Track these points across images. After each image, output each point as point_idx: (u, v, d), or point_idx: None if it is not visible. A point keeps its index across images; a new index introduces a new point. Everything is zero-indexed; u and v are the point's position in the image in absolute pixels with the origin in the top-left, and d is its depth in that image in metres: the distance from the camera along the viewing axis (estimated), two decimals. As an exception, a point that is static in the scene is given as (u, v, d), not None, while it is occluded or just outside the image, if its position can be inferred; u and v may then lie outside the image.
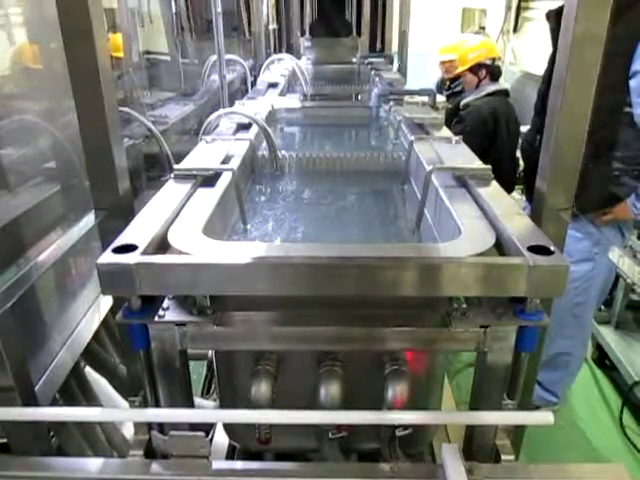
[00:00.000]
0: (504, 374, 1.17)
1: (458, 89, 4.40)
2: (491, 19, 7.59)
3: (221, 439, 1.59)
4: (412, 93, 2.82)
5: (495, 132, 3.63)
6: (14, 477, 1.06)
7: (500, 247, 1.15)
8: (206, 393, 2.65)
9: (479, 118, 3.63)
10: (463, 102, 3.93)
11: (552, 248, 1.04)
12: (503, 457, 1.17)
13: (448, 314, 1.13)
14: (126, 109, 1.98)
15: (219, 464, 1.09)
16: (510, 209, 1.27)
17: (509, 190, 3.73)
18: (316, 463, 1.13)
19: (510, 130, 3.70)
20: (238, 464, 1.12)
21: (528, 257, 1.02)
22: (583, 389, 3.31)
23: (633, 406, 3.08)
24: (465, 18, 8.32)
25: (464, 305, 1.18)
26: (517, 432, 1.50)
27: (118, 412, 1.39)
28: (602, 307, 3.49)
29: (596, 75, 1.24)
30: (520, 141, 3.63)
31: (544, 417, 1.06)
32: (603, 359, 3.50)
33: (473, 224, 1.23)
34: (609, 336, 3.42)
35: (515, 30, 6.86)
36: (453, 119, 3.78)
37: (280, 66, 3.83)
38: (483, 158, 1.61)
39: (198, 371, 2.70)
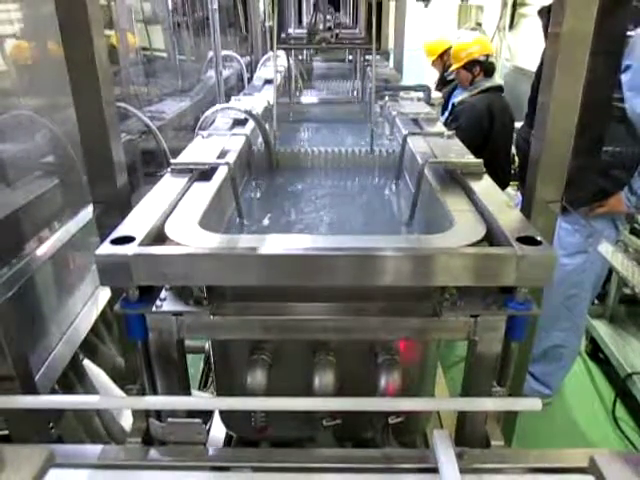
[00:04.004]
0: (494, 363, 1.19)
1: (451, 77, 4.47)
2: (488, 15, 7.61)
3: (218, 431, 1.62)
4: (407, 89, 2.85)
5: (491, 128, 3.65)
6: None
7: (491, 239, 1.17)
8: (203, 387, 2.67)
9: (475, 114, 3.65)
10: (458, 99, 3.96)
11: (539, 238, 1.07)
12: (493, 443, 1.19)
13: (439, 304, 1.15)
14: (123, 104, 1.99)
15: (216, 450, 1.12)
16: (501, 202, 1.30)
17: (504, 186, 3.75)
18: (309, 449, 1.16)
19: (505, 126, 3.72)
20: (235, 450, 1.15)
21: (516, 247, 1.05)
22: (577, 382, 3.35)
23: (626, 399, 3.11)
24: (462, 14, 8.32)
25: (455, 295, 1.20)
26: (508, 420, 1.53)
27: (117, 400, 1.41)
28: (596, 301, 3.53)
29: (584, 70, 1.27)
30: (515, 137, 3.65)
31: (532, 403, 1.08)
32: (597, 352, 3.53)
33: (464, 216, 1.26)
34: (603, 330, 3.45)
35: (511, 26, 6.89)
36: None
37: (277, 62, 3.83)
38: (478, 154, 1.62)
39: (195, 366, 2.72)
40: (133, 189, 1.54)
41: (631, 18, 2.24)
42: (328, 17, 2.59)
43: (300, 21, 6.13)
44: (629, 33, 2.24)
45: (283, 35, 2.66)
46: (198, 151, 1.68)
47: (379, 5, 5.01)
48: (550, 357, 2.97)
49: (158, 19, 3.48)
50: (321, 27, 2.49)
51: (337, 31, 2.49)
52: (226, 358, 1.36)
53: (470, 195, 1.39)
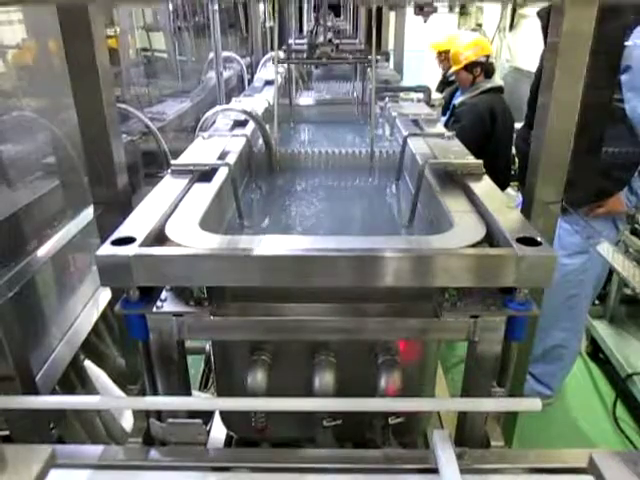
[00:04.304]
0: (494, 363, 1.19)
1: (453, 78, 4.47)
2: (488, 16, 7.61)
3: (218, 431, 1.62)
4: (407, 90, 2.85)
5: (492, 129, 3.65)
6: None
7: (490, 239, 1.17)
8: (204, 387, 2.67)
9: (476, 115, 3.65)
10: (458, 100, 3.95)
11: (539, 239, 1.07)
12: (493, 443, 1.19)
13: (439, 304, 1.15)
14: (124, 105, 2.00)
15: (216, 451, 1.12)
16: (501, 203, 1.30)
17: (504, 186, 3.75)
18: (309, 450, 1.16)
19: (506, 126, 3.72)
20: (235, 450, 1.15)
21: (516, 248, 1.05)
22: (577, 382, 3.34)
23: (626, 399, 3.11)
24: (462, 15, 8.32)
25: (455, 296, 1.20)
26: (508, 421, 1.53)
27: (117, 400, 1.41)
28: (596, 301, 3.53)
29: (584, 71, 1.27)
30: (514, 137, 3.65)
31: (532, 403, 1.09)
32: (597, 353, 3.53)
33: (464, 217, 1.26)
34: (603, 330, 3.45)
35: (511, 27, 6.90)
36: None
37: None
38: (480, 155, 1.62)
39: (196, 366, 2.73)
40: (134, 190, 1.55)
41: (629, 21, 2.24)
42: (329, 25, 2.61)
43: (301, 29, 6.13)
44: (627, 43, 2.25)
45: (284, 47, 2.69)
46: (198, 152, 1.69)
47: (379, 10, 5.02)
48: (550, 357, 2.97)
49: (159, 25, 3.49)
50: (322, 39, 2.51)
51: (337, 41, 2.51)
52: (226, 359, 1.36)
53: (470, 196, 1.39)
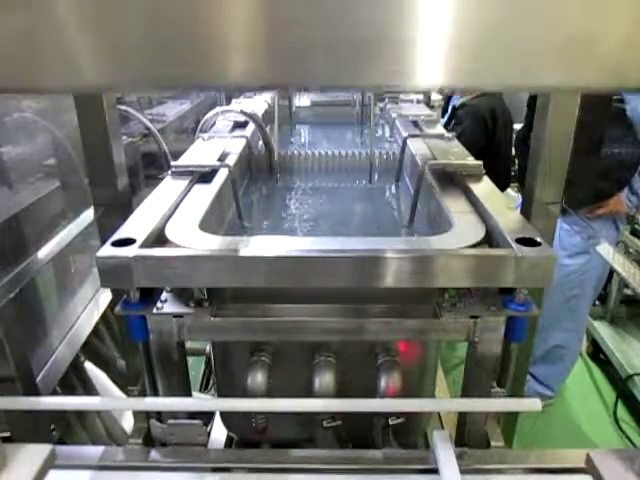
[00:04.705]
0: (494, 364, 1.19)
1: None
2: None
3: (219, 432, 1.62)
4: (407, 91, 2.85)
5: (494, 129, 3.65)
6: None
7: (490, 240, 1.18)
8: (204, 389, 2.68)
9: (478, 117, 3.64)
10: (459, 102, 3.95)
11: (539, 239, 1.07)
12: (493, 443, 1.19)
13: (439, 305, 1.15)
14: (124, 107, 2.00)
15: (216, 451, 1.12)
16: (500, 203, 1.30)
17: (504, 187, 3.75)
18: (309, 450, 1.16)
19: (506, 128, 3.72)
20: (235, 451, 1.15)
21: (516, 248, 1.05)
22: (578, 383, 3.35)
23: (627, 400, 3.11)
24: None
25: (455, 297, 1.20)
26: (509, 421, 1.54)
27: (118, 401, 1.41)
28: (597, 302, 3.53)
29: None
30: (514, 138, 3.66)
31: (532, 404, 1.08)
32: (598, 353, 3.53)
33: (464, 218, 1.26)
34: (604, 331, 3.46)
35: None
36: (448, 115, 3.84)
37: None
38: (480, 156, 1.62)
39: (196, 368, 2.73)
40: (134, 191, 1.55)
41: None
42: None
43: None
44: None
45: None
46: (199, 154, 1.69)
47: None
48: (551, 358, 2.97)
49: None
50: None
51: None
52: (227, 359, 1.36)
53: (470, 197, 1.39)
